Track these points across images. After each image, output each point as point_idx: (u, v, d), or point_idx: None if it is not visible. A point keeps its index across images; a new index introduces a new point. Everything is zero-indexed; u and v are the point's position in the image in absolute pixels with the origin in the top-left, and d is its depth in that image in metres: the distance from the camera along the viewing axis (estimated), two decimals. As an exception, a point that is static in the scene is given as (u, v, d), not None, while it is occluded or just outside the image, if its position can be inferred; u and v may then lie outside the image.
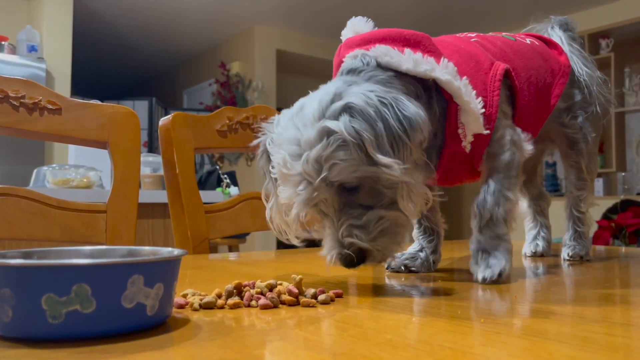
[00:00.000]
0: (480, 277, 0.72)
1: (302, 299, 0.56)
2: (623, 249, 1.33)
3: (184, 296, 0.57)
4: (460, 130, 0.75)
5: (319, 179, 0.61)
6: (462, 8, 5.61)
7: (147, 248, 0.54)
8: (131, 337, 0.41)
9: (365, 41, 0.75)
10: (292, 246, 0.79)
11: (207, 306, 0.54)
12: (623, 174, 5.28)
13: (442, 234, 0.90)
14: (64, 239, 1.03)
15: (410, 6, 5.58)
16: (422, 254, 0.86)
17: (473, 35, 0.89)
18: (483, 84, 0.76)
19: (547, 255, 1.09)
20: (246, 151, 1.42)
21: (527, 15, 1.18)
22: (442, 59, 0.73)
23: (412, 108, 0.64)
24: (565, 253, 1.01)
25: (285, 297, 0.56)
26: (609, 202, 4.64)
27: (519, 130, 0.81)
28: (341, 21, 0.82)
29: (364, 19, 0.81)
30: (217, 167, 4.15)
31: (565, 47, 1.02)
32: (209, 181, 3.63)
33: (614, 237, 4.30)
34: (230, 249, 4.26)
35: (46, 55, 4.61)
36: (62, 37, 4.73)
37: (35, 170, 2.60)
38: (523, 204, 1.15)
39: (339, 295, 0.61)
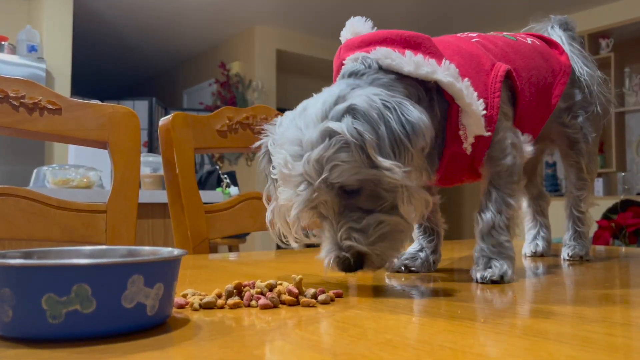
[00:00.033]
0: (479, 275, 0.72)
1: (302, 299, 0.56)
2: (623, 249, 1.33)
3: (184, 296, 0.57)
4: (461, 132, 0.75)
5: (319, 179, 0.61)
6: (462, 8, 5.61)
7: (147, 248, 0.54)
8: (131, 337, 0.41)
9: (366, 43, 0.75)
10: (292, 246, 0.79)
11: (207, 306, 0.54)
12: (623, 174, 5.28)
13: (442, 234, 0.90)
14: (64, 239, 1.03)
15: (410, 6, 5.58)
16: (422, 254, 0.86)
17: (474, 35, 0.88)
18: (484, 85, 0.76)
19: (547, 255, 1.09)
20: (246, 151, 1.42)
21: (526, 15, 1.18)
22: (443, 60, 0.73)
23: (416, 113, 0.63)
24: (565, 253, 1.01)
25: (285, 297, 0.56)
26: (609, 202, 4.64)
27: (519, 132, 0.81)
28: (341, 21, 0.82)
29: (363, 19, 0.81)
30: (217, 167, 4.15)
31: (566, 47, 1.02)
32: (209, 181, 3.63)
33: (614, 237, 4.30)
34: (230, 249, 4.26)
35: (46, 55, 4.61)
36: (62, 37, 4.73)
37: (35, 170, 2.60)
38: (523, 204, 1.15)
39: (339, 295, 0.61)
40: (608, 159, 5.40)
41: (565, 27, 1.08)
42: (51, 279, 0.39)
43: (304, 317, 0.51)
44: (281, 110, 0.97)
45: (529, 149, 0.82)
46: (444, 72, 0.71)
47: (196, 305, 0.53)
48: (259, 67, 6.17)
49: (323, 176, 0.60)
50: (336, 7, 5.51)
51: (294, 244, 0.71)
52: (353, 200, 0.63)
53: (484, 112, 0.73)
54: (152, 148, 6.28)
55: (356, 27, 0.80)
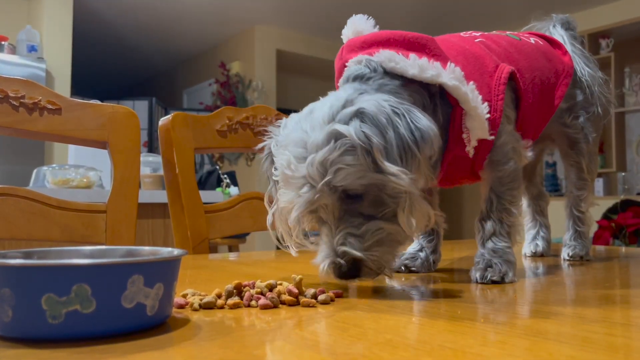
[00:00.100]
0: (478, 275, 0.72)
1: (302, 299, 0.56)
2: (623, 249, 1.33)
3: (184, 296, 0.57)
4: (464, 135, 0.74)
5: (322, 182, 0.60)
6: (462, 8, 5.61)
7: (147, 248, 0.54)
8: (131, 337, 0.41)
9: (368, 44, 0.74)
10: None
11: (207, 306, 0.54)
12: (623, 174, 5.28)
13: (442, 234, 0.90)
14: (64, 239, 1.03)
15: (410, 6, 5.58)
16: (422, 254, 0.86)
17: (478, 34, 0.88)
18: (488, 87, 0.76)
19: (547, 255, 1.09)
20: (246, 151, 1.42)
21: (526, 15, 1.17)
22: (448, 63, 0.72)
23: (425, 121, 0.63)
24: (565, 253, 1.01)
25: (285, 297, 0.56)
26: (609, 202, 4.64)
27: (519, 137, 0.81)
28: (341, 21, 0.82)
29: (365, 17, 0.80)
30: (217, 167, 4.15)
31: (568, 47, 1.01)
32: (209, 181, 3.63)
33: (614, 237, 4.30)
34: (230, 249, 4.26)
35: (46, 55, 4.61)
36: (62, 37, 4.73)
37: (35, 170, 2.60)
38: (522, 204, 1.15)
39: (339, 295, 0.61)
40: (608, 159, 5.40)
41: (567, 26, 1.07)
42: (51, 279, 0.39)
43: (304, 317, 0.51)
44: (281, 110, 0.97)
45: (528, 154, 0.82)
46: (449, 75, 0.71)
47: (196, 305, 0.53)
48: (259, 67, 6.17)
49: (326, 179, 0.59)
50: (336, 7, 5.51)
51: (293, 250, 0.70)
52: (355, 206, 0.62)
53: (488, 115, 0.73)
54: (152, 148, 6.28)
55: (358, 25, 0.79)
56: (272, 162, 0.68)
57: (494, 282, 0.71)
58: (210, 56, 6.89)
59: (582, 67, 1.00)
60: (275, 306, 0.55)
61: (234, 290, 0.57)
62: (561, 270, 0.89)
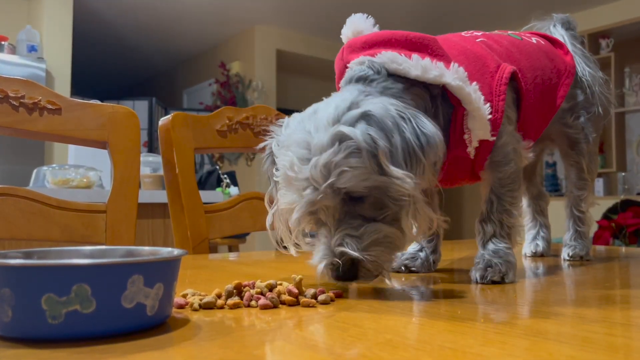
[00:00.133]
0: (478, 275, 0.72)
1: (302, 299, 0.56)
2: (623, 249, 1.33)
3: (184, 296, 0.57)
4: (466, 136, 0.74)
5: (325, 184, 0.59)
6: (462, 8, 5.61)
7: (147, 248, 0.54)
8: (131, 337, 0.41)
9: (369, 45, 0.74)
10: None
11: (207, 306, 0.54)
12: (623, 174, 5.28)
13: (442, 234, 0.90)
14: (64, 239, 1.03)
15: (410, 6, 5.58)
16: (422, 254, 0.86)
17: (479, 34, 0.87)
18: (489, 87, 0.75)
19: (547, 255, 1.09)
20: (246, 151, 1.42)
21: (526, 15, 1.17)
22: (452, 64, 0.72)
23: (430, 127, 0.62)
24: (565, 253, 1.01)
25: (285, 297, 0.56)
26: (609, 202, 4.64)
27: (520, 137, 0.81)
28: (341, 21, 0.82)
29: (364, 16, 0.80)
30: (217, 167, 4.15)
31: (568, 47, 1.01)
32: (209, 181, 3.63)
33: (614, 237, 4.30)
34: (230, 249, 4.26)
35: (46, 55, 4.61)
36: (62, 37, 4.73)
37: (35, 170, 2.60)
38: (523, 204, 1.15)
39: (338, 295, 0.60)
40: (608, 159, 5.40)
41: (568, 26, 1.07)
42: (51, 279, 0.39)
43: (304, 317, 0.51)
44: (281, 110, 0.97)
45: (529, 155, 0.82)
46: (453, 76, 0.70)
47: (196, 305, 0.53)
48: (259, 67, 6.17)
49: (330, 181, 0.59)
50: (336, 7, 5.51)
51: (293, 250, 0.69)
52: (356, 208, 0.62)
53: (489, 116, 0.73)
54: (152, 148, 6.28)
55: (357, 25, 0.79)
56: (273, 162, 0.68)
57: (494, 283, 0.71)
58: (210, 56, 6.89)
59: (583, 67, 1.00)
60: (275, 306, 0.55)
61: (234, 290, 0.57)
62: (561, 270, 0.89)
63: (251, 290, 0.57)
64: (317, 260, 0.63)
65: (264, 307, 0.54)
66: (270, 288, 0.59)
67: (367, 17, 0.80)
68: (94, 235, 1.05)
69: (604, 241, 4.26)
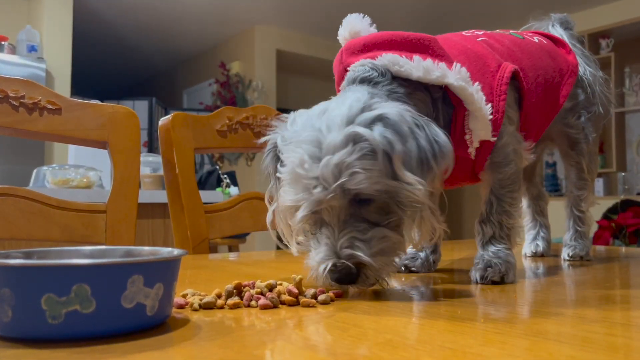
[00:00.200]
0: (478, 275, 0.71)
1: (302, 299, 0.56)
2: (623, 249, 1.33)
3: (184, 296, 0.57)
4: (467, 137, 0.73)
5: (335, 184, 0.58)
6: (462, 8, 5.61)
7: (147, 248, 0.54)
8: (131, 337, 0.41)
9: (369, 47, 0.73)
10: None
11: (207, 306, 0.54)
12: (623, 174, 5.28)
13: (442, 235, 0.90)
14: (64, 239, 1.03)
15: (410, 6, 5.58)
16: (422, 254, 0.86)
17: (480, 33, 0.87)
18: (490, 87, 0.75)
19: (547, 255, 1.09)
20: (246, 151, 1.42)
21: (526, 15, 1.17)
22: (454, 64, 0.71)
23: (443, 136, 0.62)
24: (565, 253, 1.01)
25: (285, 297, 0.56)
26: (609, 202, 4.64)
27: (521, 138, 0.81)
28: (341, 21, 0.81)
29: (360, 16, 0.79)
30: (217, 167, 4.15)
31: None
32: (209, 181, 3.63)
33: (614, 237, 4.30)
34: (230, 249, 4.26)
35: (46, 55, 4.61)
36: (62, 37, 4.73)
37: (35, 170, 2.60)
38: (522, 205, 1.15)
39: (338, 296, 0.60)
40: (608, 159, 5.40)
41: (566, 25, 1.07)
42: (51, 279, 0.39)
43: (304, 318, 0.51)
44: (281, 110, 0.96)
45: (529, 156, 0.81)
46: (455, 76, 0.70)
47: (196, 305, 0.53)
48: (259, 67, 6.17)
49: (340, 181, 0.58)
50: (336, 7, 5.51)
51: (294, 248, 0.69)
52: (361, 210, 0.61)
53: (490, 116, 0.72)
54: (152, 148, 6.28)
55: (354, 25, 0.78)
56: (275, 158, 0.67)
57: (494, 283, 0.71)
58: (210, 56, 6.89)
59: (584, 66, 1.00)
60: (275, 306, 0.55)
61: (234, 290, 0.57)
62: (561, 270, 0.89)
63: (251, 290, 0.57)
64: (319, 261, 0.61)
65: (264, 307, 0.54)
66: (270, 288, 0.59)
67: (363, 17, 0.79)
68: (94, 235, 1.05)
69: (604, 241, 4.26)
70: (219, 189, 3.17)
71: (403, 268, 0.84)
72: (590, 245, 1.03)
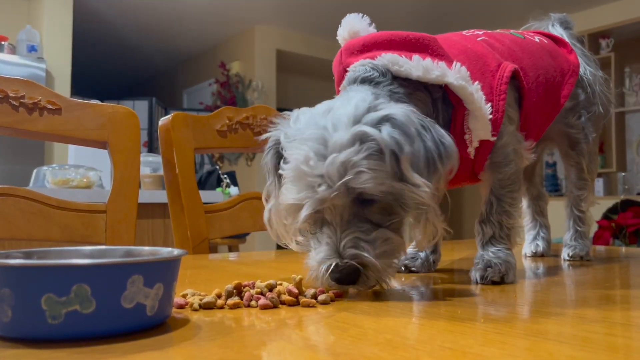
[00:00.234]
0: (478, 275, 0.71)
1: (302, 299, 0.56)
2: (623, 249, 1.33)
3: (184, 296, 0.57)
4: (466, 136, 0.73)
5: (340, 182, 0.57)
6: (462, 8, 5.61)
7: (146, 248, 0.54)
8: (131, 337, 0.41)
9: (368, 47, 0.73)
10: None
11: (207, 306, 0.54)
12: (623, 174, 5.28)
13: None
14: (64, 239, 1.03)
15: (410, 6, 5.58)
16: (422, 254, 0.86)
17: (481, 32, 0.87)
18: (489, 87, 0.75)
19: (547, 255, 1.09)
20: (246, 151, 1.42)
21: (526, 15, 1.17)
22: (454, 63, 0.71)
23: (448, 138, 0.63)
24: (565, 253, 1.01)
25: (285, 297, 0.56)
26: (609, 202, 4.64)
27: (522, 138, 0.81)
28: (341, 21, 0.81)
29: (359, 16, 0.79)
30: (217, 167, 4.15)
31: None
32: (209, 181, 3.63)
33: (614, 237, 4.30)
34: (230, 249, 4.26)
35: (46, 55, 4.61)
36: (62, 37, 4.73)
37: (35, 170, 2.60)
38: (522, 205, 1.15)
39: (338, 296, 0.60)
40: (608, 159, 5.40)
41: (566, 25, 1.07)
42: (51, 279, 0.39)
43: (304, 318, 0.51)
44: (281, 110, 0.96)
45: (530, 156, 0.81)
46: (455, 75, 0.70)
47: (196, 305, 0.53)
48: (259, 67, 6.17)
49: (345, 179, 0.57)
50: (336, 7, 5.51)
51: (292, 245, 0.69)
52: (364, 211, 0.61)
53: (490, 115, 0.72)
54: (152, 148, 6.28)
55: (353, 25, 0.78)
56: (277, 155, 0.66)
57: (494, 283, 0.70)
58: (210, 56, 6.89)
59: (584, 66, 1.00)
60: (275, 306, 0.55)
61: (234, 290, 0.57)
62: (561, 270, 0.89)
63: (251, 290, 0.57)
64: (319, 261, 0.61)
65: (264, 307, 0.54)
66: (270, 288, 0.59)
67: (362, 17, 0.79)
68: (94, 235, 1.05)
69: (604, 241, 4.26)
70: (219, 189, 3.17)
71: (403, 268, 0.84)
72: (590, 245, 1.03)
